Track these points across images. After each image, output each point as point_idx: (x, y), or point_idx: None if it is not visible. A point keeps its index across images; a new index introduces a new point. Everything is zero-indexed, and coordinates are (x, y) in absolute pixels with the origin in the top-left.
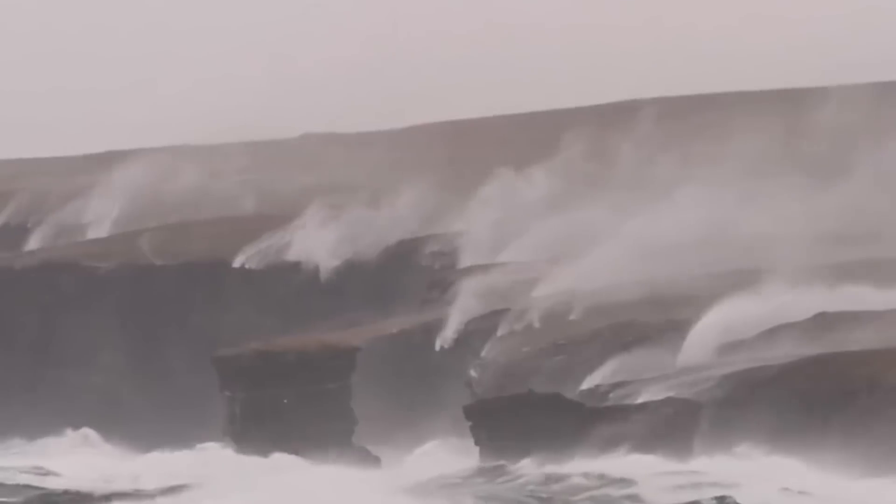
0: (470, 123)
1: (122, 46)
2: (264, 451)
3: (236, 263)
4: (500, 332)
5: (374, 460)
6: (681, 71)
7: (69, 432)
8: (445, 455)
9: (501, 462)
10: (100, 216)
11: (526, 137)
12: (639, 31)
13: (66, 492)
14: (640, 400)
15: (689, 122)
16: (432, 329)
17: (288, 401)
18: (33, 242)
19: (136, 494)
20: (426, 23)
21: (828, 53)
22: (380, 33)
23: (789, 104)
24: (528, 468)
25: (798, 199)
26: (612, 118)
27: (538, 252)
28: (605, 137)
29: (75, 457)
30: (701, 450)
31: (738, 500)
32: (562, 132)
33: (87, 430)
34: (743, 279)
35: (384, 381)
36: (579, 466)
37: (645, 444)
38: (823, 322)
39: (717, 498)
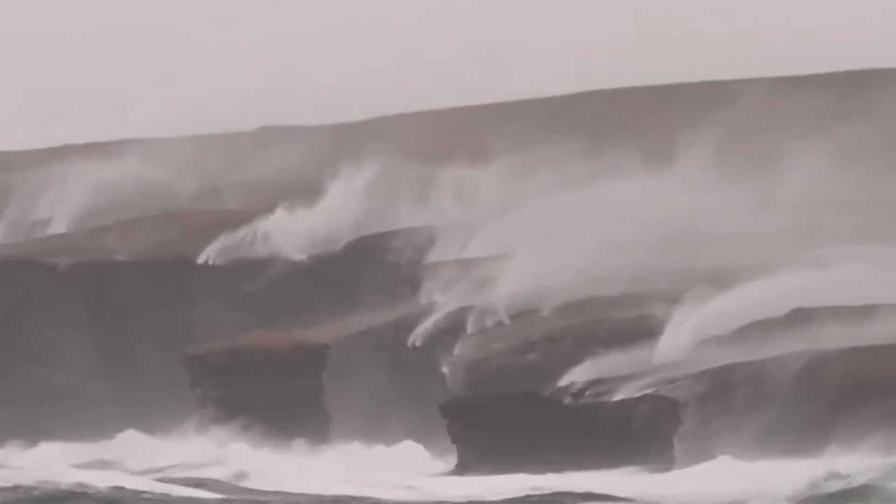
0: (434, 115)
1: (79, 41)
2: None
3: (200, 259)
4: (471, 329)
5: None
6: (649, 61)
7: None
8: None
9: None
10: (59, 212)
11: (490, 129)
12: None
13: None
14: (617, 398)
15: (658, 114)
16: (403, 326)
17: (260, 398)
18: None
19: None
20: (392, 13)
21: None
22: (345, 24)
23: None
24: None
25: (774, 192)
26: (588, 110)
27: (507, 248)
28: (579, 130)
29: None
30: (680, 446)
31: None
32: (529, 125)
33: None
34: (718, 274)
35: (357, 379)
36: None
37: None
38: (800, 317)
39: None
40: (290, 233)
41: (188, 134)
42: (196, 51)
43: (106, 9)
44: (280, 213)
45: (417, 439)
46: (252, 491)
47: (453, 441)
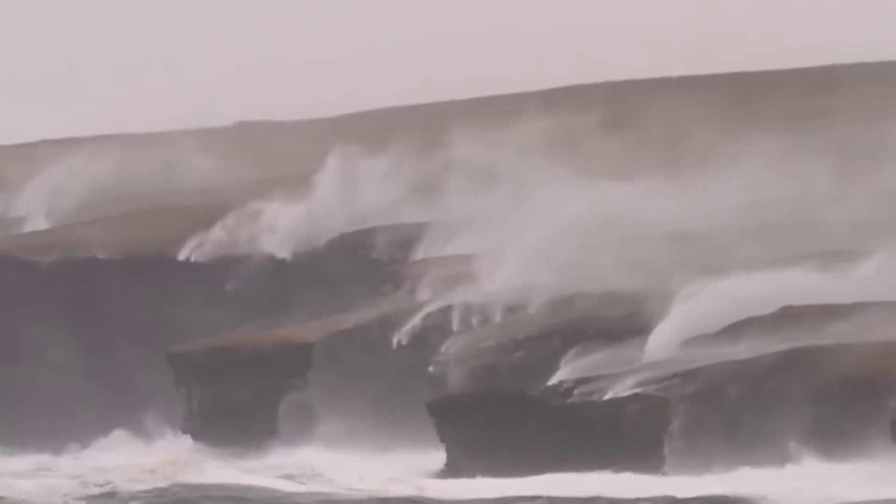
0: (412, 111)
1: (56, 35)
2: (225, 447)
3: (182, 256)
4: (457, 327)
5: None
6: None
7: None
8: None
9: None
10: (38, 208)
11: (478, 124)
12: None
13: None
14: (606, 397)
15: (649, 109)
16: (388, 324)
17: (246, 397)
18: None
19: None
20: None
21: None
22: (325, 20)
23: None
24: None
25: (760, 190)
26: (568, 104)
27: (493, 244)
28: (563, 124)
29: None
30: (670, 446)
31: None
32: (508, 119)
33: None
34: (706, 272)
35: (343, 378)
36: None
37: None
38: (789, 315)
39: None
40: (271, 230)
41: (168, 129)
42: (175, 46)
43: (84, 3)
44: (261, 210)
45: (405, 438)
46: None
47: (442, 440)
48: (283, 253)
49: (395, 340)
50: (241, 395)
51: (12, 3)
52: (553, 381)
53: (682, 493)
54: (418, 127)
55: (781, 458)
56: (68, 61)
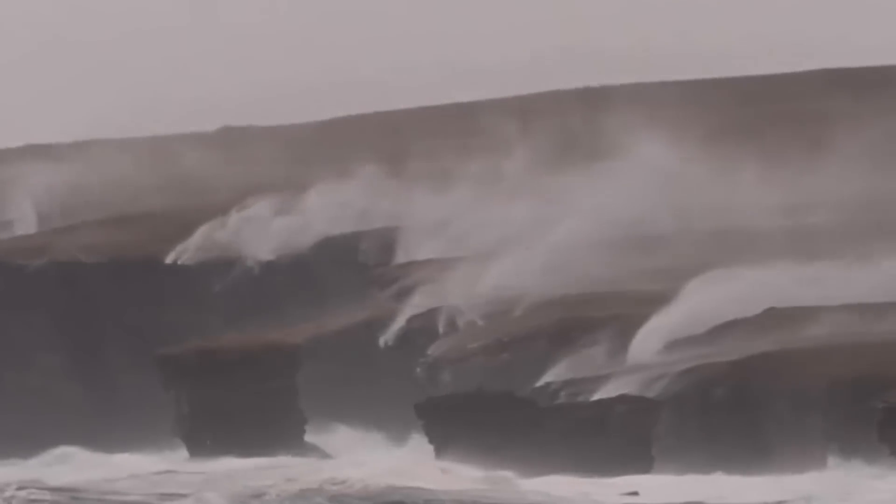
0: (399, 115)
1: (40, 39)
2: (215, 450)
3: (168, 260)
4: (443, 330)
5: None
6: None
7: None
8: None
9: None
10: (25, 213)
11: (454, 129)
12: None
13: None
14: (593, 398)
15: (618, 111)
16: (375, 326)
17: (235, 400)
18: None
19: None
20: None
21: None
22: (309, 24)
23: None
24: None
25: (747, 190)
26: (548, 108)
27: (477, 247)
28: (545, 128)
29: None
30: (658, 446)
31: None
32: (495, 123)
33: None
34: (691, 274)
35: (332, 380)
36: None
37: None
38: (773, 317)
39: None
40: (257, 233)
41: (152, 134)
42: (160, 51)
43: (69, 7)
44: (247, 213)
45: (394, 439)
46: None
47: (430, 442)
48: (269, 256)
49: (381, 342)
50: (230, 398)
51: None
52: (540, 382)
53: (671, 495)
54: (407, 130)
55: (768, 460)
56: (55, 66)
